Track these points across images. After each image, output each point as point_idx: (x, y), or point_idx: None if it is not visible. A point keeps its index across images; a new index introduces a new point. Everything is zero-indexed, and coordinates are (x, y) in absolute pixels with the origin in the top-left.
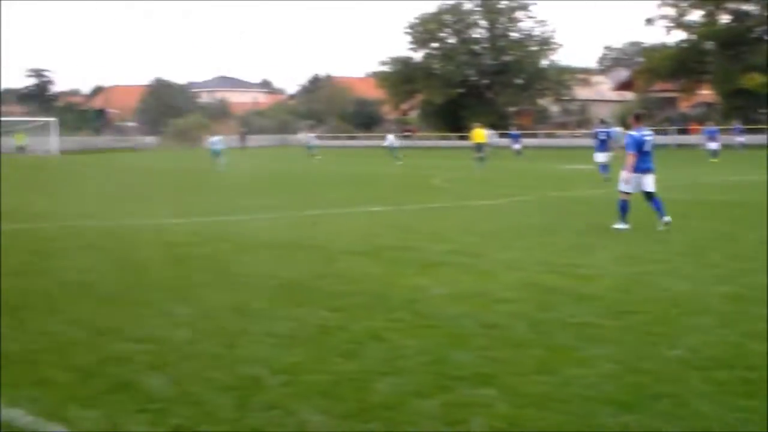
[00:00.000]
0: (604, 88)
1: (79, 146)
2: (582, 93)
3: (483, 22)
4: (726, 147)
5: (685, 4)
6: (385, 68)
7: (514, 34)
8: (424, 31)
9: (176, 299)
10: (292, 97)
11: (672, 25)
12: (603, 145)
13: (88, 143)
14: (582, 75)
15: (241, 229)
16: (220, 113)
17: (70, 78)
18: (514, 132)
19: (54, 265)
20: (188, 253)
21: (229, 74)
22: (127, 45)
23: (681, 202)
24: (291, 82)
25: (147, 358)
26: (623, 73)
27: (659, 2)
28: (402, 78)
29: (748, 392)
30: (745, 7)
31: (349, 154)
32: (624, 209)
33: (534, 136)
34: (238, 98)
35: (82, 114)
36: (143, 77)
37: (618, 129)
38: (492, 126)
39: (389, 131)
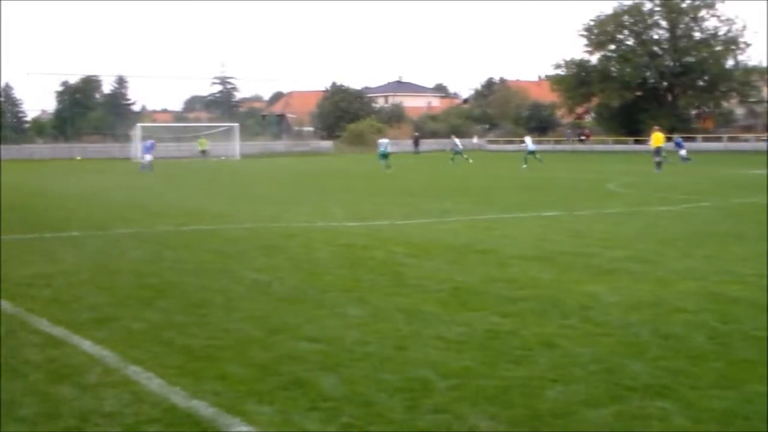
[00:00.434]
0: None
1: (259, 151)
2: None
3: (663, 23)
4: None
5: None
6: (560, 71)
7: (697, 34)
8: (600, 33)
9: (349, 300)
10: (465, 101)
11: None
12: None
13: (267, 148)
14: None
15: (414, 232)
16: (394, 117)
17: (253, 84)
18: (678, 138)
19: (233, 265)
20: (362, 256)
21: (405, 79)
22: (306, 51)
23: None
24: (465, 87)
25: (319, 357)
26: None
27: None
28: (577, 81)
29: None
30: None
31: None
32: None
33: (717, 139)
34: (412, 103)
35: (263, 119)
36: (321, 83)
37: None
38: (672, 130)
39: (528, 134)
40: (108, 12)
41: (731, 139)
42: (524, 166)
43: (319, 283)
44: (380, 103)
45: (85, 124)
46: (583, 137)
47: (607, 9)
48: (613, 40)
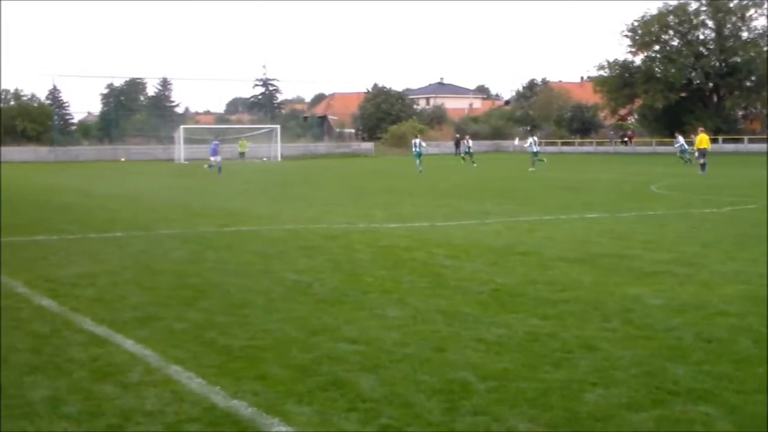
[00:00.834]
0: None
1: (300, 152)
2: None
3: (710, 23)
4: None
5: None
6: (603, 72)
7: (744, 34)
8: (645, 33)
9: (389, 302)
10: (507, 102)
11: None
12: None
13: (308, 149)
14: None
15: (455, 233)
16: (435, 119)
17: (294, 86)
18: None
19: (274, 266)
20: (403, 257)
21: (446, 80)
22: (348, 53)
23: None
24: (507, 88)
25: (359, 358)
26: None
27: None
28: (621, 82)
29: None
30: None
31: (566, 160)
32: None
33: (765, 141)
34: (454, 104)
35: (305, 121)
36: (362, 84)
37: None
38: (717, 131)
39: (531, 135)
40: (153, 15)
41: None
42: (531, 168)
43: (359, 284)
44: (422, 104)
45: (130, 126)
46: (626, 139)
47: (652, 9)
48: (657, 41)
